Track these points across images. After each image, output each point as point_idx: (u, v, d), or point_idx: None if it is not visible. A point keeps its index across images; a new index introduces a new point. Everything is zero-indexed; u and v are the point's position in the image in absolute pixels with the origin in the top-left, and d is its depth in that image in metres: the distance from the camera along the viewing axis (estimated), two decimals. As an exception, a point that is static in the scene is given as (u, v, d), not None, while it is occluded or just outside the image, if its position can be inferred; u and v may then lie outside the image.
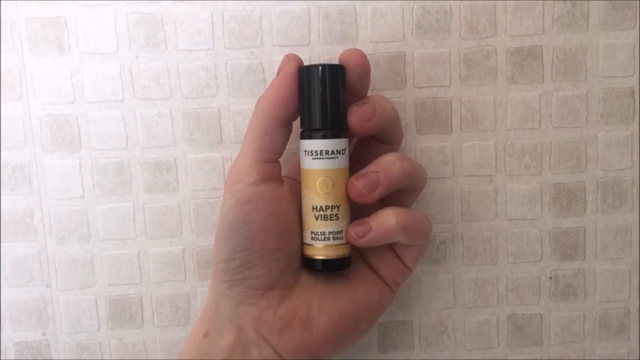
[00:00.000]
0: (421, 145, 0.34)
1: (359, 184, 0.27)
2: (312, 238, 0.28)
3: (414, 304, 0.35)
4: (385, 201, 0.30)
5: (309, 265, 0.28)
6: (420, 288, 0.35)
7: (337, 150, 0.27)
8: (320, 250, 0.28)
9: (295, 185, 0.30)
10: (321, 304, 0.28)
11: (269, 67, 0.32)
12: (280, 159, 0.29)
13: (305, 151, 0.27)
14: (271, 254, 0.27)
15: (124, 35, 0.32)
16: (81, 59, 0.32)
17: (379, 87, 0.33)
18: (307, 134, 0.27)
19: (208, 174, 0.33)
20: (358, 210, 0.29)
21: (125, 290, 0.34)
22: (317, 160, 0.27)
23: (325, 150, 0.27)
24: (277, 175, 0.28)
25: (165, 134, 0.33)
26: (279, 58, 0.32)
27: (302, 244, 0.29)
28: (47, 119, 0.33)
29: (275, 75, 0.28)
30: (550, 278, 0.35)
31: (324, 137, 0.27)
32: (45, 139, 0.33)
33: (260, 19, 0.32)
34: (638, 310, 0.35)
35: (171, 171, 0.33)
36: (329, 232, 0.28)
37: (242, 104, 0.33)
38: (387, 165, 0.27)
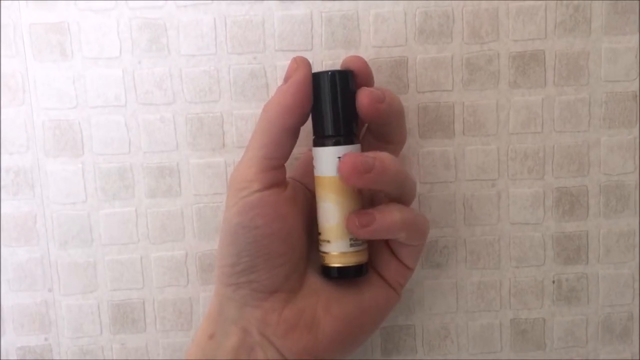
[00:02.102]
0: (424, 150, 0.34)
1: (358, 159, 0.26)
2: (352, 245, 0.27)
3: (416, 308, 0.35)
4: (378, 202, 0.30)
5: (346, 274, 0.28)
6: (423, 292, 0.35)
7: None
8: (354, 257, 0.28)
9: (298, 186, 0.30)
10: (327, 307, 0.28)
11: (271, 72, 0.32)
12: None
13: (340, 158, 0.27)
14: (276, 258, 0.27)
15: (126, 40, 0.32)
16: (84, 64, 0.32)
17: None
18: (340, 140, 0.27)
19: (210, 178, 0.33)
20: None
21: (128, 295, 0.34)
22: None
23: None
24: (282, 180, 0.28)
25: (167, 139, 0.33)
26: (281, 63, 0.32)
27: (328, 254, 0.28)
28: (49, 124, 0.33)
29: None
30: (553, 282, 0.35)
31: (353, 142, 0.27)
32: (48, 144, 0.33)
33: (262, 24, 0.32)
34: (641, 315, 0.35)
35: (174, 176, 0.33)
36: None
37: (245, 109, 0.33)
38: (383, 157, 0.26)
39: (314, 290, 0.29)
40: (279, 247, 0.27)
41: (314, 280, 0.29)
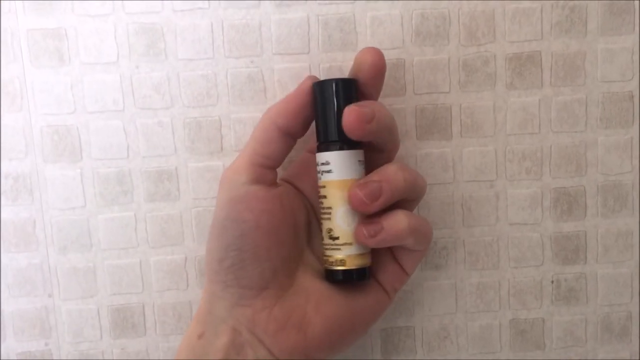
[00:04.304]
0: (422, 152, 0.34)
1: (362, 193, 0.26)
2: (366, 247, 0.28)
3: (416, 309, 0.35)
4: (386, 208, 0.30)
5: (354, 277, 0.28)
6: (423, 293, 0.35)
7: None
8: (365, 259, 0.28)
9: (290, 188, 0.30)
10: (317, 307, 0.28)
11: (269, 75, 0.33)
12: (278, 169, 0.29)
13: (360, 161, 0.28)
14: (264, 254, 0.27)
15: (124, 45, 0.32)
16: (81, 70, 0.32)
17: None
18: (344, 145, 0.28)
19: (209, 182, 0.33)
20: None
21: (128, 299, 0.34)
22: (365, 167, 0.28)
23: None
24: (270, 180, 0.28)
25: (166, 143, 0.33)
26: (279, 66, 0.32)
27: (341, 258, 0.28)
28: (48, 130, 0.33)
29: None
30: (552, 282, 0.35)
31: (356, 147, 0.28)
32: (47, 150, 0.33)
33: (259, 28, 0.32)
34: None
35: (172, 180, 0.33)
36: None
37: (243, 113, 0.33)
38: (390, 175, 0.27)
39: (304, 290, 0.29)
40: (265, 242, 0.27)
41: (305, 280, 0.29)
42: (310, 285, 0.29)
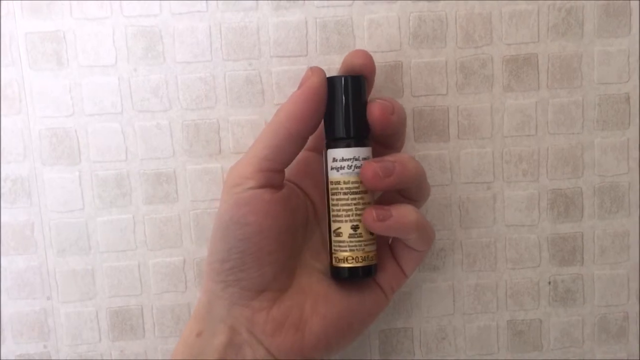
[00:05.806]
0: (419, 154, 0.34)
1: (377, 165, 0.27)
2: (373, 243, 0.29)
3: (414, 311, 0.35)
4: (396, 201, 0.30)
5: (372, 273, 0.29)
6: (420, 295, 0.35)
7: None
8: (375, 255, 0.29)
9: (292, 187, 0.30)
10: (314, 307, 0.28)
11: (267, 78, 0.33)
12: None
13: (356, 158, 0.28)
14: (266, 257, 0.27)
15: (122, 48, 0.32)
16: (80, 72, 0.32)
17: (376, 96, 0.33)
18: (351, 142, 0.28)
19: (207, 184, 0.33)
20: None
21: (126, 302, 0.34)
22: None
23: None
24: (278, 183, 0.28)
25: (164, 146, 0.33)
26: (277, 69, 0.33)
27: (344, 256, 0.28)
28: (46, 132, 0.33)
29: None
30: (549, 283, 0.35)
31: (365, 145, 0.28)
32: (45, 152, 0.33)
33: (257, 31, 0.32)
34: (637, 314, 0.35)
35: (171, 182, 0.33)
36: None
37: (241, 115, 0.33)
38: (403, 160, 0.27)
39: (302, 290, 0.29)
40: (268, 245, 0.27)
41: (302, 280, 0.29)
42: (308, 285, 0.29)
